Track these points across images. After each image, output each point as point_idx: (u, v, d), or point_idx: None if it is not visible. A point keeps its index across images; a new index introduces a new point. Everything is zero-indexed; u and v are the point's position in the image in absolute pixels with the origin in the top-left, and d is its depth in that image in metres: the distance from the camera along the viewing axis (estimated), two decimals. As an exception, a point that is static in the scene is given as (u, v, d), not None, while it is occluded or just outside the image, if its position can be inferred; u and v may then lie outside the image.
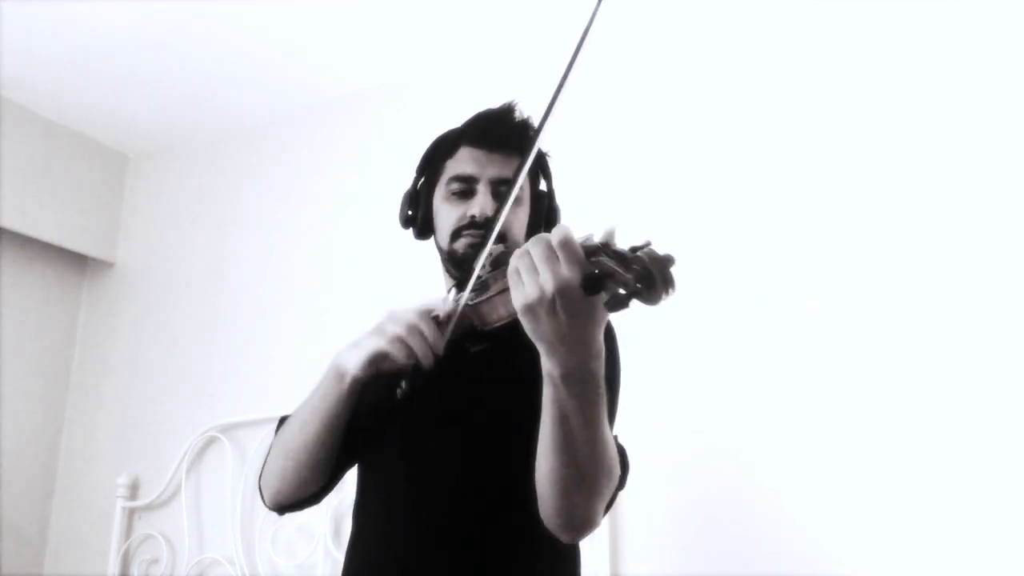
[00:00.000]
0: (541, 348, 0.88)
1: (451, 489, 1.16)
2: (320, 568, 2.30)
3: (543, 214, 1.32)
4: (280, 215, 2.79)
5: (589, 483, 1.00)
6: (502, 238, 1.21)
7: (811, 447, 1.83)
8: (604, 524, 1.87)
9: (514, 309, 0.89)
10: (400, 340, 1.06)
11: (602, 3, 1.09)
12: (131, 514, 2.69)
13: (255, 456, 2.45)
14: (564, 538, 1.10)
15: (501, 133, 1.26)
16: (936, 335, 1.76)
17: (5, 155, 2.78)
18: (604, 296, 0.78)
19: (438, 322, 1.07)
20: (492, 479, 1.16)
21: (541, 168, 1.33)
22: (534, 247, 0.84)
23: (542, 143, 1.28)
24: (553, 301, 0.83)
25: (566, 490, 1.00)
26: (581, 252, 0.82)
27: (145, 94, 2.78)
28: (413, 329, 1.06)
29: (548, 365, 0.89)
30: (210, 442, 2.63)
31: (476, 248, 1.19)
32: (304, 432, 1.18)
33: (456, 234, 1.24)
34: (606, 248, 0.81)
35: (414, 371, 1.07)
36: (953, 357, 1.74)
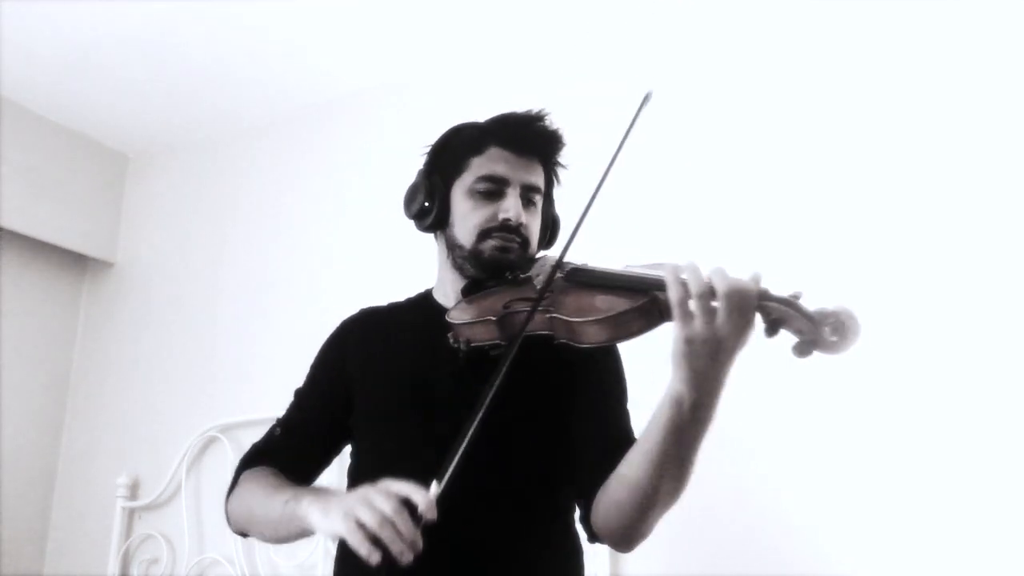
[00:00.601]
0: (682, 375, 0.91)
1: (462, 490, 1.16)
2: (320, 568, 2.30)
3: (548, 219, 1.34)
4: (280, 215, 2.79)
5: (670, 499, 1.05)
6: (525, 244, 1.24)
7: (811, 447, 1.82)
8: (604, 524, 1.87)
9: (621, 335, 0.98)
10: (363, 531, 0.92)
11: (645, 105, 1.13)
12: (131, 514, 2.70)
13: (255, 456, 2.45)
14: (619, 549, 1.15)
15: (533, 140, 1.25)
16: (935, 335, 1.76)
17: (5, 155, 2.78)
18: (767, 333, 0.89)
19: (415, 516, 0.93)
20: (505, 482, 1.17)
21: (555, 176, 1.34)
22: (722, 292, 0.86)
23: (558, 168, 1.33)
24: (722, 343, 0.87)
25: (650, 505, 1.04)
26: (756, 301, 0.88)
27: (145, 94, 2.78)
28: (385, 523, 0.92)
29: (682, 391, 0.93)
30: (210, 442, 2.63)
31: (504, 251, 1.21)
32: (270, 527, 1.19)
33: (485, 234, 1.22)
34: (779, 298, 0.88)
35: (387, 567, 0.92)
36: (952, 357, 1.73)
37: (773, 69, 2.09)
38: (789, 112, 2.04)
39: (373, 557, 0.91)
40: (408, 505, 0.93)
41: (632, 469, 1.03)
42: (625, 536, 1.09)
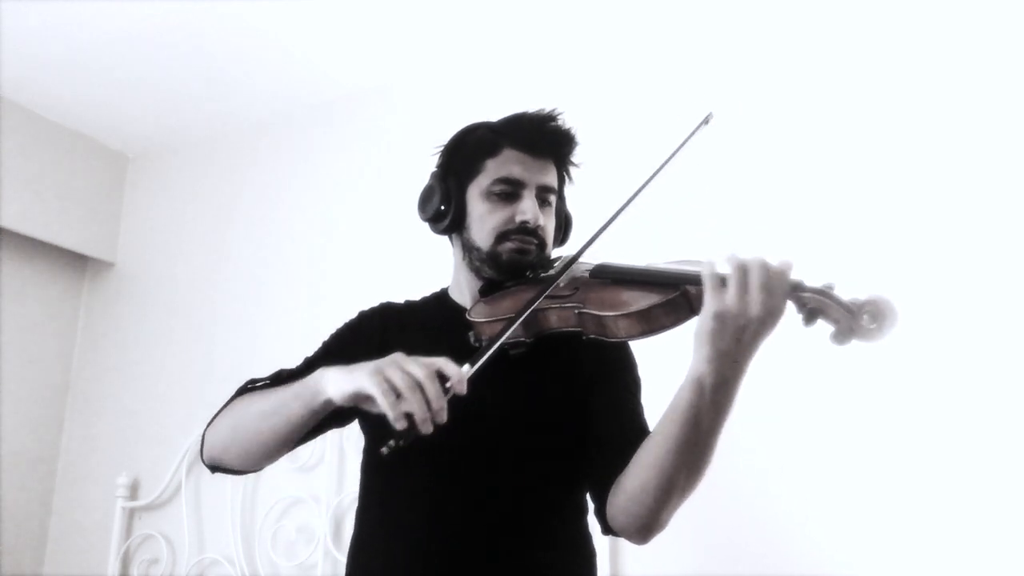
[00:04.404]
0: (706, 354, 0.93)
1: (479, 490, 1.16)
2: (320, 568, 2.30)
3: (562, 217, 1.34)
4: (280, 215, 2.79)
5: (688, 487, 1.04)
6: (542, 246, 1.24)
7: (811, 448, 1.82)
8: (604, 524, 1.87)
9: (652, 329, 0.99)
10: (394, 391, 0.92)
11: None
12: (131, 514, 2.69)
13: (255, 456, 2.45)
14: (636, 540, 1.12)
15: (547, 140, 1.25)
16: (934, 335, 1.76)
17: (5, 155, 2.78)
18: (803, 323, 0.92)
19: (446, 388, 0.93)
20: (523, 483, 1.16)
21: (568, 175, 1.34)
22: (756, 269, 0.89)
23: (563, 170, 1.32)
24: (750, 322, 0.89)
25: (668, 492, 1.03)
26: (789, 287, 0.90)
27: (145, 94, 2.78)
28: (414, 386, 0.92)
29: (704, 372, 0.94)
30: (210, 442, 2.62)
31: (522, 253, 1.21)
32: (263, 422, 1.14)
33: (503, 236, 1.22)
34: (814, 288, 0.91)
35: (408, 430, 0.92)
36: (952, 357, 1.74)
37: (771, 61, 2.09)
38: (806, 109, 2.04)
39: (399, 422, 0.91)
40: (439, 376, 0.93)
41: (650, 455, 1.03)
42: (642, 527, 1.08)
